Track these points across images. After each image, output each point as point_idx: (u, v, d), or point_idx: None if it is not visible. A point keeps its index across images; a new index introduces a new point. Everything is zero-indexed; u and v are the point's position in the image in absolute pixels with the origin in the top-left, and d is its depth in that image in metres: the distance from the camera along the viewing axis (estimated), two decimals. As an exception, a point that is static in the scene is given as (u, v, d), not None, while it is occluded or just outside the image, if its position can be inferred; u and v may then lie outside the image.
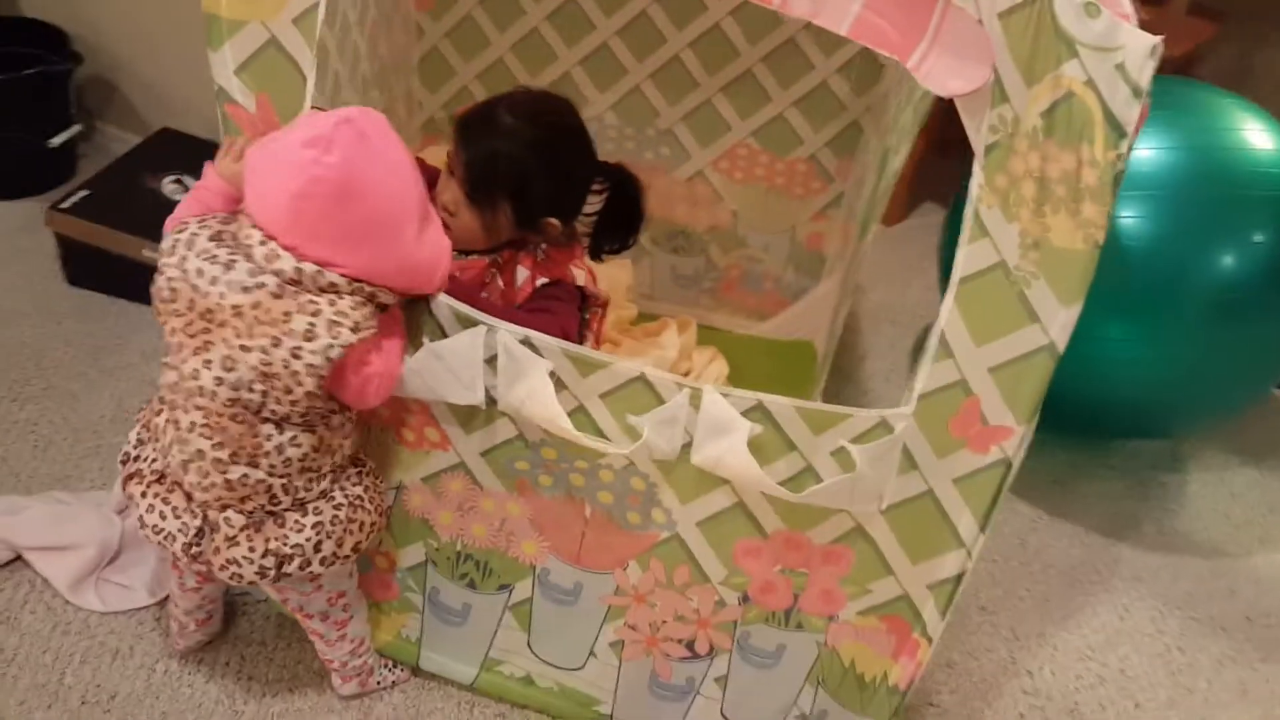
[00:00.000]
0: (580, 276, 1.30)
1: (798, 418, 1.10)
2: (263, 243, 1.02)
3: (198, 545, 1.11)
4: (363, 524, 1.17)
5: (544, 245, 1.32)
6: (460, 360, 1.11)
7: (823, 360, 1.95)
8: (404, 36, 1.94)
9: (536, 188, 1.25)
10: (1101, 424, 1.88)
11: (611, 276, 1.97)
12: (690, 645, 1.26)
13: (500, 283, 1.32)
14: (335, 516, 1.14)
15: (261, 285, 1.01)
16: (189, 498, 1.11)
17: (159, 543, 1.12)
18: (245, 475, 1.08)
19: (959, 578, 1.14)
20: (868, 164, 1.84)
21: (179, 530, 1.11)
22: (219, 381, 1.03)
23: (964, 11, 0.97)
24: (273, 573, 1.12)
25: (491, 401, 1.14)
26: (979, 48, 0.97)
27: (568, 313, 1.29)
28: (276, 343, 1.01)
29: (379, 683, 1.36)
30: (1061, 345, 1.02)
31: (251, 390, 1.03)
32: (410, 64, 1.98)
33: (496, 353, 1.11)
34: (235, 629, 1.41)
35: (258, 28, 1.12)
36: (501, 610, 1.32)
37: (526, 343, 1.10)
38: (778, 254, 2.02)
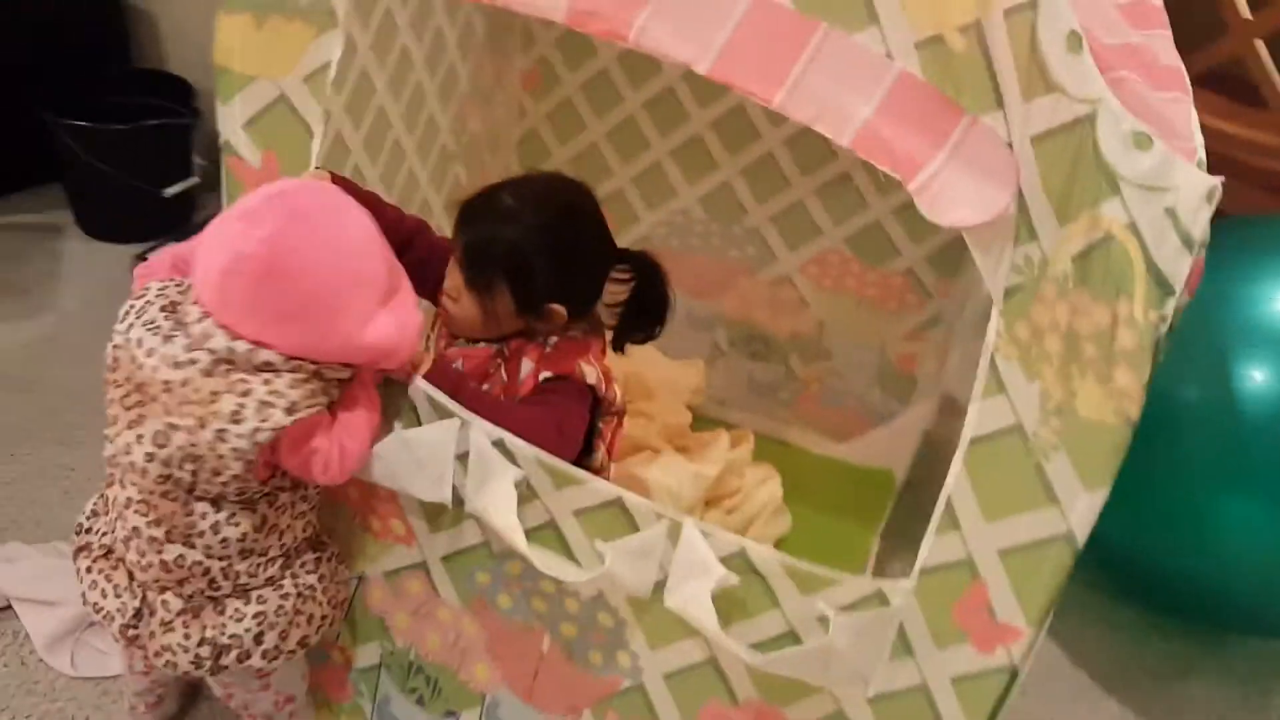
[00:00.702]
0: (591, 374, 1.19)
1: (782, 574, 0.96)
2: (199, 319, 0.97)
3: (134, 628, 1.05)
4: (311, 617, 1.09)
5: (553, 337, 1.23)
6: (429, 453, 1.03)
7: (901, 491, 1.77)
8: (505, 114, 1.91)
9: (537, 271, 1.16)
10: (1218, 615, 1.60)
11: (677, 378, 1.86)
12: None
13: (504, 375, 1.23)
14: (280, 607, 1.06)
15: (194, 362, 0.96)
16: (131, 576, 1.05)
17: (99, 621, 1.07)
18: (181, 556, 1.01)
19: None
20: (971, 283, 1.67)
21: (117, 610, 1.05)
22: (149, 458, 0.97)
23: (992, 131, 0.83)
24: (209, 663, 1.04)
25: (459, 502, 1.05)
26: (1001, 173, 0.82)
27: (567, 409, 1.18)
28: (203, 424, 0.95)
29: None
30: (1082, 537, 0.85)
31: (181, 469, 0.97)
32: (510, 142, 1.96)
33: (469, 449, 1.02)
34: (195, 713, 1.34)
35: (268, 84, 1.09)
36: None
37: (500, 445, 1.01)
38: (864, 371, 1.85)
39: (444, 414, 1.03)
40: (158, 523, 1.00)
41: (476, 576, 1.09)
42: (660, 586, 1.00)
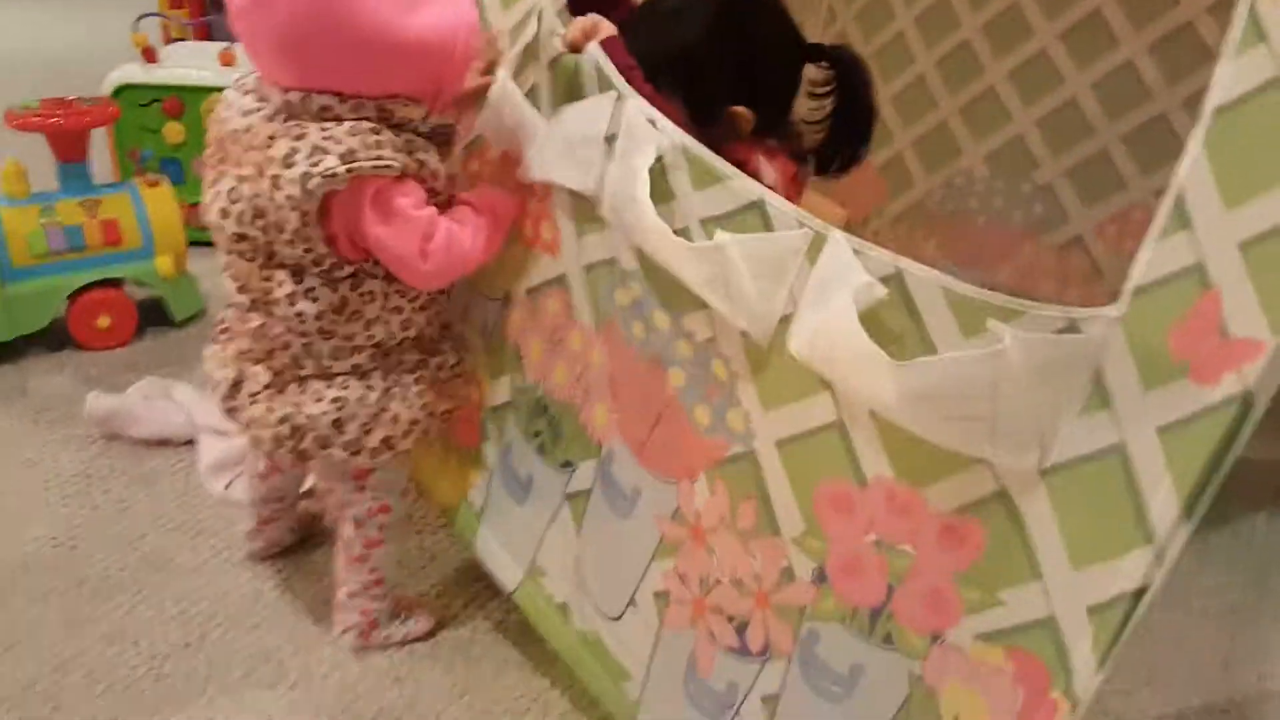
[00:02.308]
0: (768, 171, 1.05)
1: (943, 303, 0.75)
2: (261, 79, 0.95)
3: (232, 399, 1.02)
4: (398, 417, 1.01)
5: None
6: (580, 130, 0.93)
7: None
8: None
9: (707, 78, 1.03)
10: None
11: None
12: (742, 631, 0.87)
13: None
14: (364, 397, 0.99)
15: (259, 110, 0.93)
16: (237, 348, 1.03)
17: (212, 391, 1.05)
18: (264, 326, 0.98)
19: (1137, 596, 0.66)
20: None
21: (221, 381, 1.03)
22: (224, 214, 0.94)
23: None
24: (289, 443, 0.99)
25: (600, 200, 0.93)
26: None
27: None
28: (261, 171, 0.91)
29: (388, 637, 1.13)
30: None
31: (253, 225, 0.92)
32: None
33: (619, 132, 0.90)
34: (309, 555, 1.28)
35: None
36: (560, 497, 1.04)
37: (652, 124, 0.89)
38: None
39: (607, 88, 0.92)
40: (243, 289, 0.98)
41: (616, 295, 0.95)
42: (785, 323, 0.81)
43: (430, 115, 0.95)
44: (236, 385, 1.02)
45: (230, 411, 1.03)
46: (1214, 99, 0.67)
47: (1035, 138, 1.63)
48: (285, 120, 0.91)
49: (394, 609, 1.14)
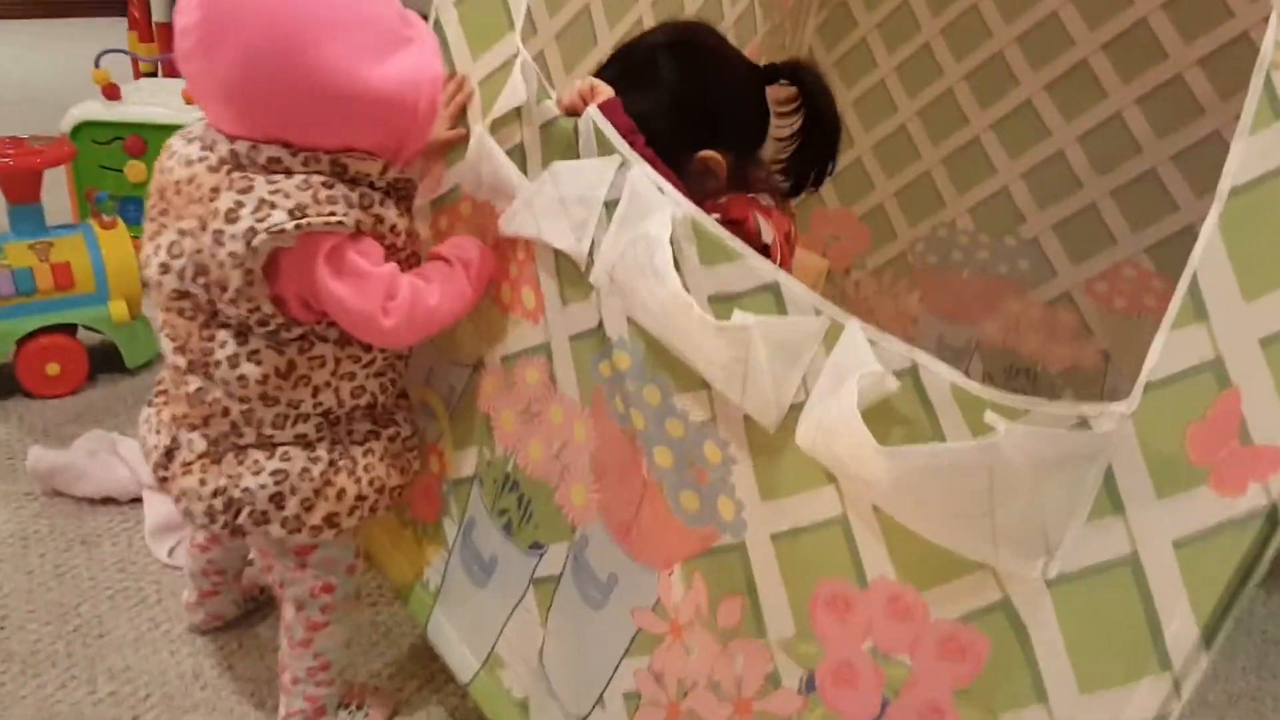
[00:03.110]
0: (766, 231, 0.99)
1: (950, 398, 0.70)
2: (208, 125, 0.89)
3: (165, 467, 0.94)
4: (343, 492, 0.93)
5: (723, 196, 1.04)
6: (576, 191, 0.87)
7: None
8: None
9: (673, 128, 0.96)
10: None
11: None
12: (717, 741, 0.81)
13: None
14: (306, 470, 0.91)
15: (204, 159, 0.86)
16: (172, 413, 0.95)
17: (145, 458, 0.98)
18: (202, 389, 0.90)
19: (1153, 729, 0.60)
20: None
21: (154, 448, 0.95)
22: (164, 269, 0.87)
23: None
24: (222, 517, 0.91)
25: (591, 266, 0.87)
26: None
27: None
28: (204, 225, 0.84)
29: None
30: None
31: (195, 283, 0.85)
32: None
33: (620, 197, 0.84)
34: (254, 628, 1.21)
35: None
36: (526, 582, 0.97)
37: (660, 190, 0.83)
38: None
39: (606, 152, 0.87)
40: (181, 350, 0.90)
41: (601, 366, 0.89)
42: (796, 411, 0.75)
43: (389, 170, 0.89)
44: (170, 453, 0.94)
45: (163, 481, 0.95)
46: (1229, 179, 0.62)
47: (1021, 191, 1.58)
48: (230, 171, 0.84)
49: (344, 696, 1.06)
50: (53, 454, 1.40)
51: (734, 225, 0.97)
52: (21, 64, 3.88)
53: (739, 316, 0.77)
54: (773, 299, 0.78)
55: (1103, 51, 1.48)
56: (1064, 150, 1.54)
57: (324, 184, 0.84)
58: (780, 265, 0.98)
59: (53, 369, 1.64)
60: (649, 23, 1.39)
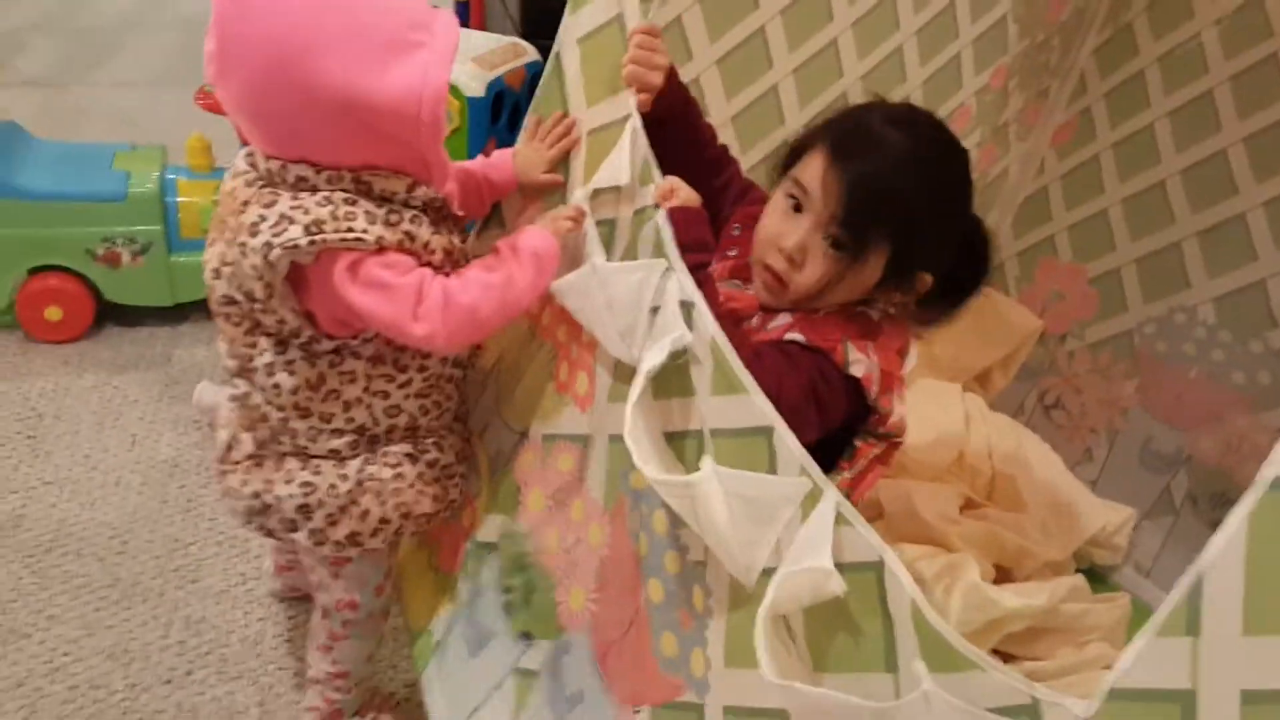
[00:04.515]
0: (859, 365, 0.86)
1: (910, 630, 0.58)
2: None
3: (221, 462, 0.96)
4: (367, 513, 0.92)
5: (889, 310, 0.93)
6: (623, 294, 0.80)
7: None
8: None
9: (928, 231, 0.88)
10: None
11: (1084, 509, 1.37)
12: None
13: (753, 322, 0.96)
14: (334, 487, 0.91)
15: (245, 174, 0.86)
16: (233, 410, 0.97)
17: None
18: (248, 394, 0.92)
19: None
20: None
21: (220, 439, 0.97)
22: (215, 275, 0.88)
23: None
24: (256, 519, 0.93)
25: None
26: None
27: (805, 377, 0.86)
28: (233, 237, 0.84)
29: None
30: None
31: (238, 290, 0.86)
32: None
33: (662, 304, 0.77)
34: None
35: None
36: (509, 668, 0.93)
37: (687, 307, 0.75)
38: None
39: (657, 252, 0.80)
40: (231, 354, 0.92)
41: (632, 476, 0.83)
42: (768, 576, 0.66)
43: (417, 188, 0.86)
44: (228, 448, 0.97)
45: (219, 474, 0.98)
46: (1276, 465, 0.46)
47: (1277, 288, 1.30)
48: (262, 187, 0.85)
49: (362, 704, 1.08)
50: (216, 390, 1.51)
51: (813, 350, 0.86)
52: None
53: (705, 465, 0.68)
54: (765, 445, 0.68)
55: None
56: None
57: (346, 200, 0.83)
58: (880, 394, 0.87)
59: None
60: (845, 48, 1.25)
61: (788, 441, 0.67)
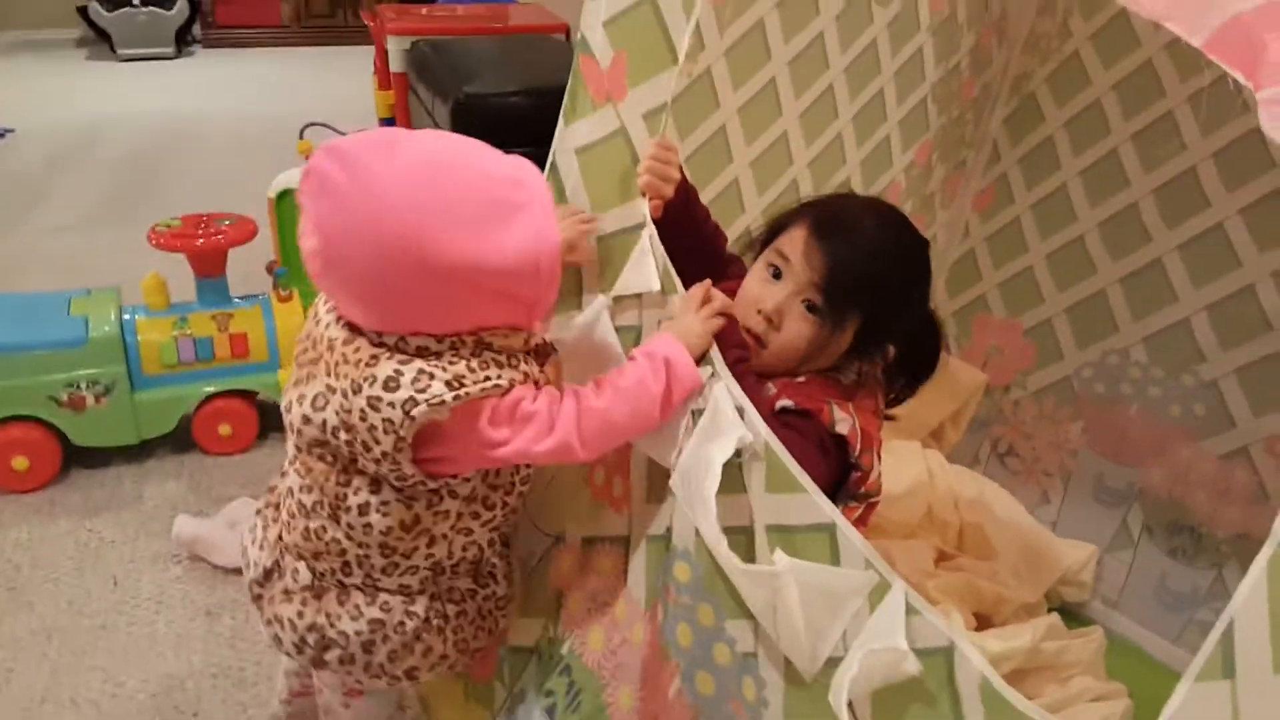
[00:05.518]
0: (843, 423, 0.93)
1: (978, 704, 0.64)
2: None
3: (261, 585, 0.97)
4: (430, 650, 0.94)
5: (855, 377, 1.00)
6: None
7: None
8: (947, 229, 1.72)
9: (898, 308, 0.98)
10: None
11: (1046, 548, 1.45)
12: None
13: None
14: (402, 624, 0.93)
15: (344, 322, 0.87)
16: (280, 535, 0.98)
17: (242, 565, 1.01)
18: (323, 528, 0.91)
19: None
20: None
21: (255, 562, 0.98)
22: (306, 420, 0.87)
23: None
24: (311, 652, 0.94)
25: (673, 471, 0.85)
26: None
27: (800, 447, 0.92)
28: (357, 388, 0.83)
29: None
30: None
31: (336, 436, 0.86)
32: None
33: (704, 407, 0.82)
34: None
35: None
36: None
37: (741, 413, 0.80)
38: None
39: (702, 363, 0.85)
40: (309, 488, 0.91)
41: (674, 570, 0.86)
42: (833, 666, 0.71)
43: (530, 340, 0.89)
44: (269, 573, 0.97)
45: (257, 599, 0.99)
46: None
47: (1204, 325, 1.41)
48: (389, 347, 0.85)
49: None
50: (194, 523, 1.52)
51: (802, 414, 0.93)
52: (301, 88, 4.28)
53: (779, 558, 0.74)
54: (827, 541, 0.74)
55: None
56: (1256, 286, 1.35)
57: (473, 355, 0.85)
58: (862, 452, 0.93)
59: (225, 430, 1.79)
60: (794, 138, 1.34)
61: (851, 538, 0.72)
